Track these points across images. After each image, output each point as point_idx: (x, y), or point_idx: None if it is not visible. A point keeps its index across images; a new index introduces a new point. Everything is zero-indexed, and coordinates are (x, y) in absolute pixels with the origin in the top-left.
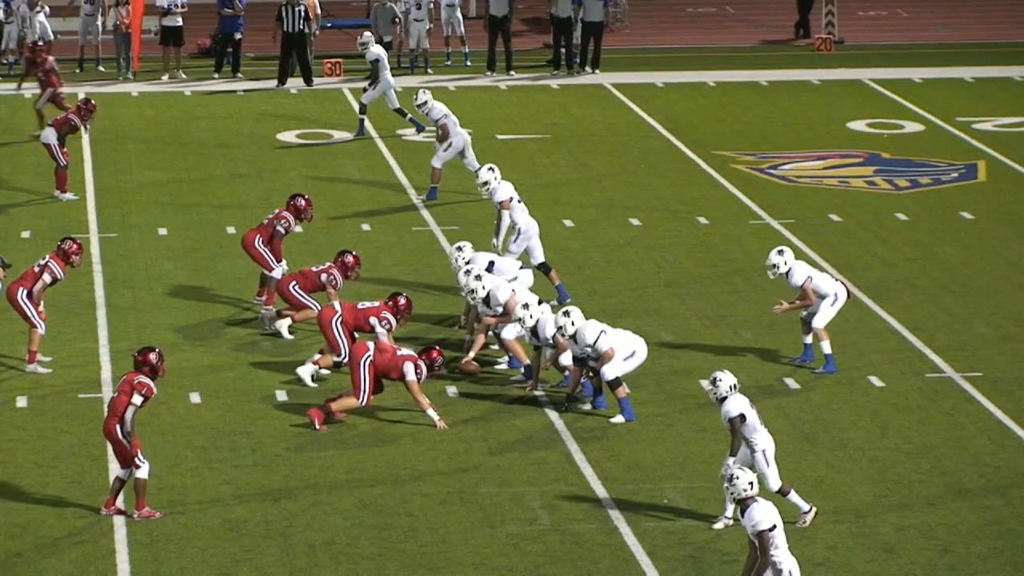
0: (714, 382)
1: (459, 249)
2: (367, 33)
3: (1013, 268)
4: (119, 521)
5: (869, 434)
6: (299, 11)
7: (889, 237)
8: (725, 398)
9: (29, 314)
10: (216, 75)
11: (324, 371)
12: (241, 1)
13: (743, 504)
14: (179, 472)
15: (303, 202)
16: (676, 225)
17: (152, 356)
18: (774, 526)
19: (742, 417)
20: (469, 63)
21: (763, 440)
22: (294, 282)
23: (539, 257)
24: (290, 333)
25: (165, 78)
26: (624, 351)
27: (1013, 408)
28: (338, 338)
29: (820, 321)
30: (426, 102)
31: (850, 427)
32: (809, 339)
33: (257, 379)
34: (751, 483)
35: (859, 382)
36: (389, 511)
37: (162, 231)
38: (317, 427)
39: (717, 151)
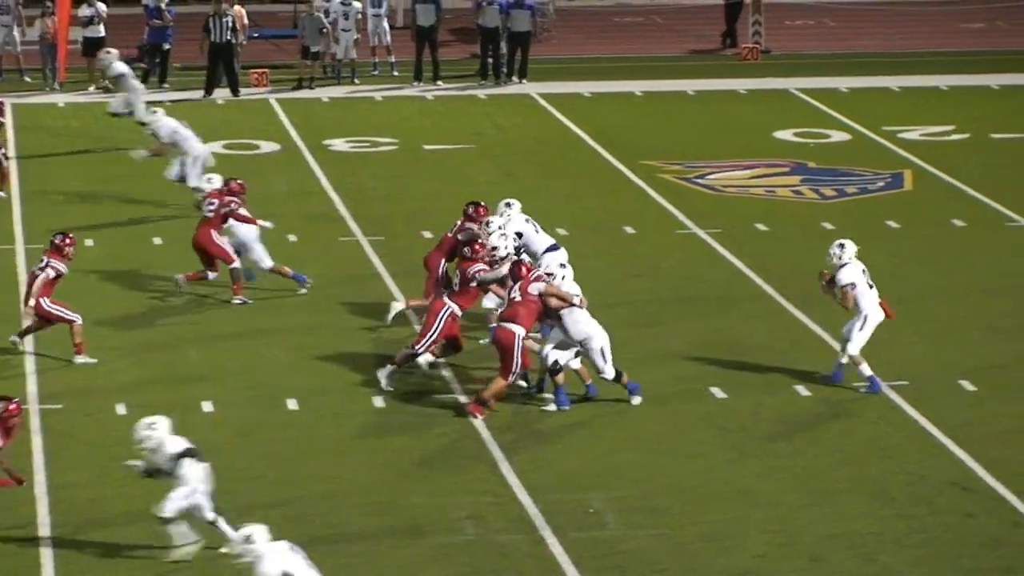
0: (149, 426)
1: (508, 205)
2: (112, 51)
3: (939, 277)
4: (43, 532)
5: (796, 443)
6: (226, 22)
7: (816, 246)
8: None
9: (61, 314)
10: (143, 86)
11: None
12: (170, 12)
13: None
14: (105, 484)
15: (237, 185)
16: (603, 235)
17: None
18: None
19: (185, 452)
20: (396, 73)
21: (192, 474)
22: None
23: None
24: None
25: (91, 88)
26: (577, 334)
27: (939, 417)
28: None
29: (854, 348)
30: (148, 124)
31: (777, 436)
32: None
33: (184, 391)
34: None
35: (786, 391)
36: (316, 521)
37: (88, 242)
38: (477, 416)
39: (644, 161)
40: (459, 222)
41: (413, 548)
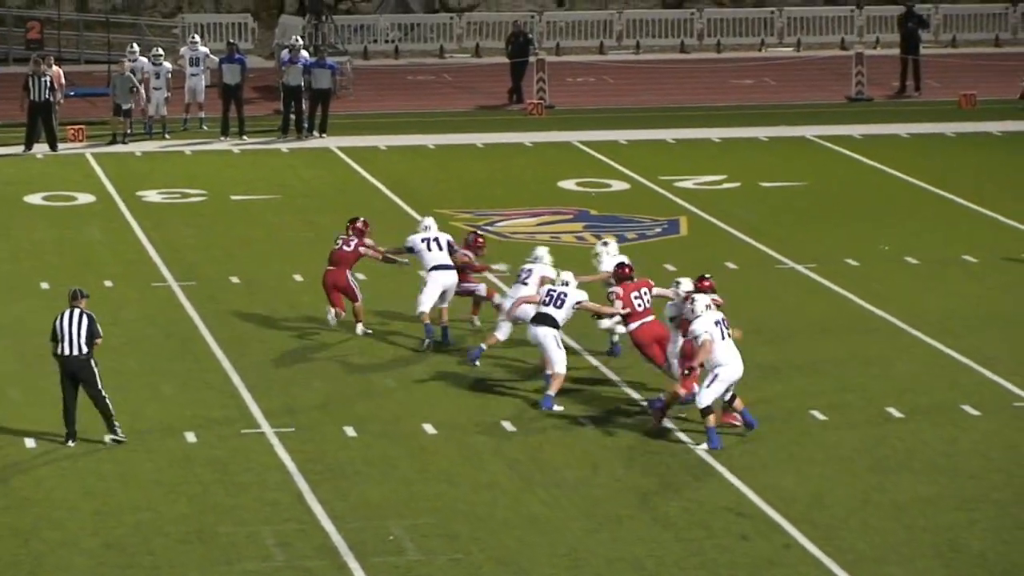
0: None
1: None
2: None
3: None
4: None
5: (581, 473)
6: (45, 81)
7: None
8: None
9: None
10: None
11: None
12: None
13: None
14: None
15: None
16: (399, 279)
17: None
18: None
19: None
20: (205, 127)
21: None
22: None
23: None
24: None
25: None
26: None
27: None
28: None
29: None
30: None
31: (563, 467)
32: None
33: (3, 424)
34: None
35: (571, 425)
36: (132, 550)
37: None
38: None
39: (437, 209)
40: (343, 237)
41: (225, 575)
